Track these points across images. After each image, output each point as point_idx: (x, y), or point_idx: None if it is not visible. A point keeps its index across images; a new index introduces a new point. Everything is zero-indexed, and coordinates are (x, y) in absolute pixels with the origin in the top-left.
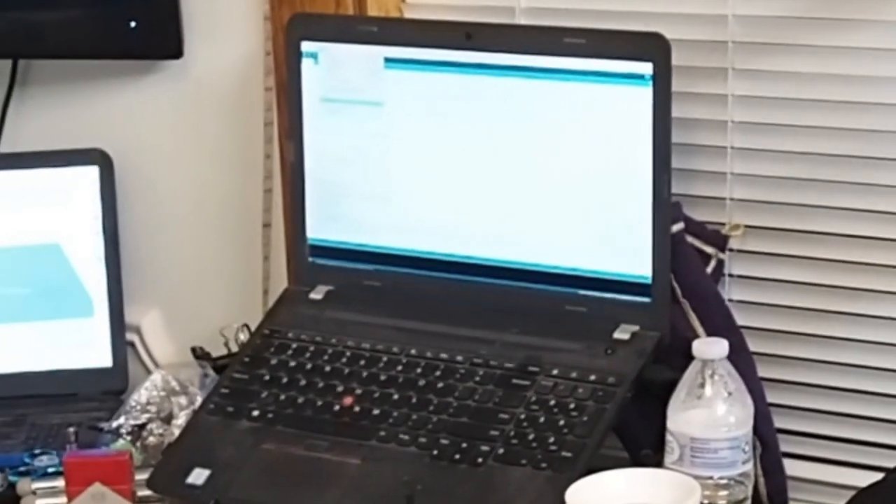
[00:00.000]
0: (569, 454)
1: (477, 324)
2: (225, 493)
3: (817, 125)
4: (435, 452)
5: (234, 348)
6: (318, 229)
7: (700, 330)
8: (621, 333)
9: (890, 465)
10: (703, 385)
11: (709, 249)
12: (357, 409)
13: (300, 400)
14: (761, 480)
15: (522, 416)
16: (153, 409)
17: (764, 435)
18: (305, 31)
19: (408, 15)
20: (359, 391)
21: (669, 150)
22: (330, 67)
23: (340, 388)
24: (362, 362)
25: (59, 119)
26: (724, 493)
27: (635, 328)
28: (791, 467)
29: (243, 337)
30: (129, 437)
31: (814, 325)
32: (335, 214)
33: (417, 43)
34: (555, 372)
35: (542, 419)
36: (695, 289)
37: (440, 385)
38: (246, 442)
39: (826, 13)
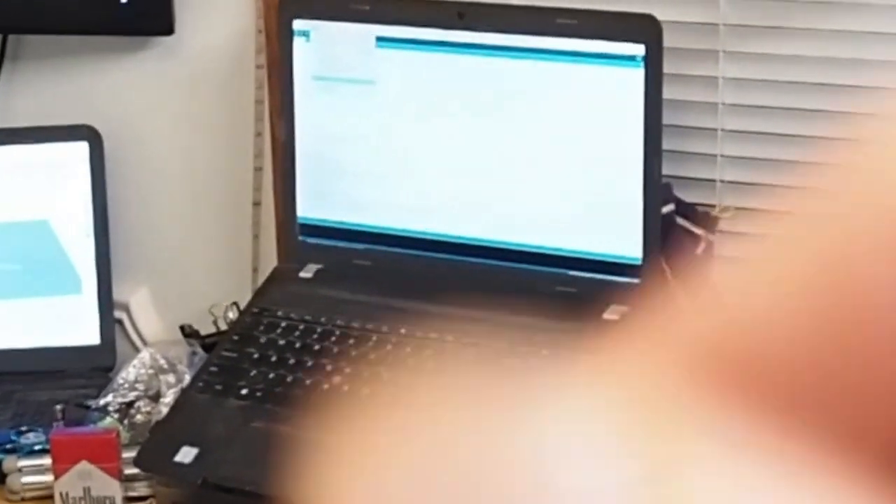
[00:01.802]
0: None
1: (467, 303)
2: (213, 471)
3: (808, 108)
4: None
5: (223, 326)
6: (308, 208)
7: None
8: (611, 314)
9: None
10: None
11: (699, 231)
12: (346, 387)
13: (289, 378)
14: None
15: None
16: (141, 386)
17: None
18: (297, 8)
19: None
20: (348, 370)
21: (660, 131)
22: (321, 46)
23: (329, 367)
24: (352, 341)
25: (50, 95)
26: None
27: (625, 309)
28: None
29: (232, 315)
30: (116, 415)
31: None
32: (325, 193)
33: (409, 22)
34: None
35: None
36: (684, 270)
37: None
38: (234, 420)
39: None
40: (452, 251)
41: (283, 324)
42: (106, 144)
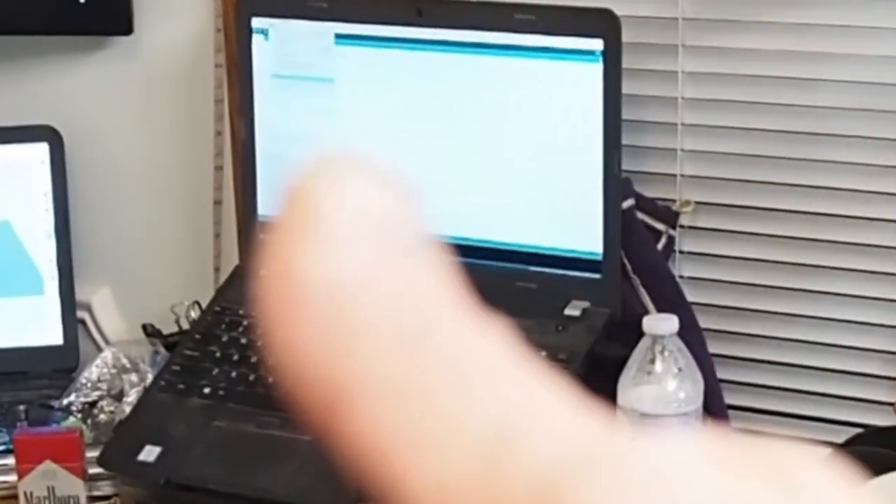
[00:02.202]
0: None
1: None
2: (176, 470)
3: (767, 101)
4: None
5: (186, 325)
6: (269, 206)
7: (650, 306)
8: (572, 310)
9: (840, 440)
10: (653, 361)
11: (659, 226)
12: None
13: (251, 377)
14: None
15: None
16: (104, 386)
17: (714, 411)
18: (255, 7)
19: None
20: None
21: (620, 126)
22: (280, 44)
23: None
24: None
25: (9, 95)
26: None
27: (586, 304)
28: None
29: (194, 314)
30: (79, 415)
31: (764, 302)
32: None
33: (368, 19)
34: None
35: None
36: (645, 265)
37: None
38: (197, 419)
39: None
40: None
41: (245, 322)
42: (66, 145)
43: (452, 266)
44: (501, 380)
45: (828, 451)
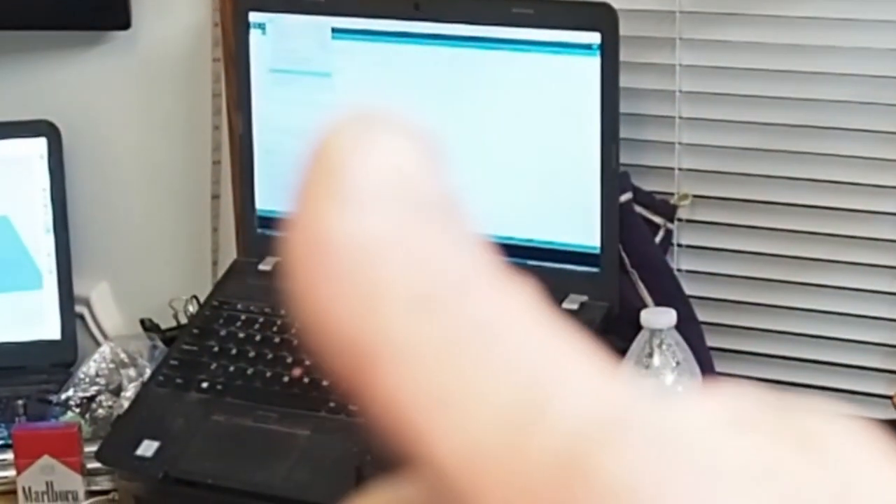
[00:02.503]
0: None
1: None
2: (174, 464)
3: (765, 95)
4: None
5: (184, 320)
6: (266, 200)
7: (648, 300)
8: (570, 304)
9: None
10: (651, 355)
11: (657, 219)
12: (306, 380)
13: (249, 371)
14: None
15: None
16: (102, 381)
17: None
18: (253, 1)
19: None
20: (308, 362)
21: (618, 120)
22: (278, 38)
23: (290, 360)
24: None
25: (7, 90)
26: None
27: (584, 298)
28: None
29: (192, 309)
30: (78, 410)
31: (762, 295)
32: (284, 185)
33: (365, 13)
34: None
35: None
36: (643, 259)
37: None
38: (195, 414)
39: None
40: None
41: (243, 316)
42: (64, 140)
43: (479, 230)
44: (529, 343)
45: (861, 419)
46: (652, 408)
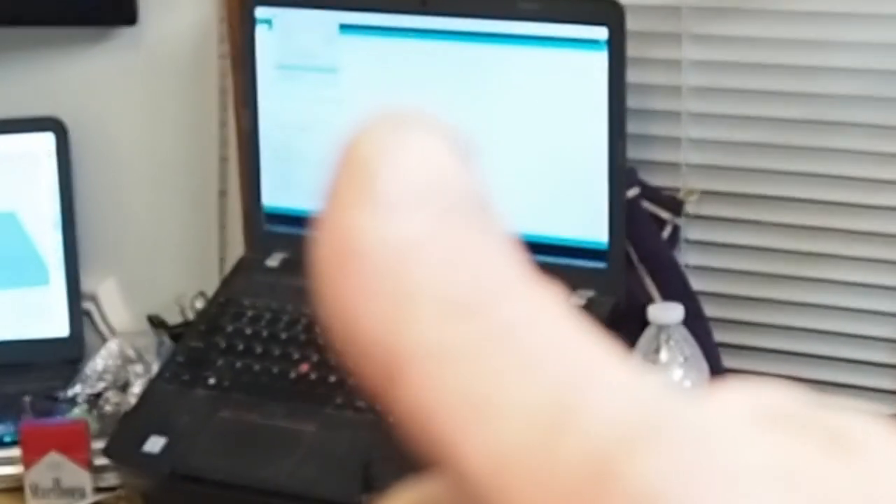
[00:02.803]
0: None
1: None
2: (181, 461)
3: (772, 90)
4: (391, 419)
5: (191, 316)
6: (273, 196)
7: (656, 295)
8: (577, 299)
9: None
10: (658, 350)
11: (664, 215)
12: (313, 376)
13: (256, 367)
14: None
15: None
16: (109, 377)
17: None
18: None
19: None
20: (315, 358)
21: (625, 115)
22: (284, 34)
23: (297, 356)
24: (319, 329)
25: (14, 87)
26: None
27: (591, 294)
28: None
29: (199, 305)
30: (85, 406)
31: (769, 290)
32: (291, 181)
33: (372, 8)
34: None
35: None
36: (650, 254)
37: None
38: (202, 410)
39: None
40: None
41: (250, 313)
42: (71, 136)
43: (511, 233)
44: (560, 347)
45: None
46: (681, 409)
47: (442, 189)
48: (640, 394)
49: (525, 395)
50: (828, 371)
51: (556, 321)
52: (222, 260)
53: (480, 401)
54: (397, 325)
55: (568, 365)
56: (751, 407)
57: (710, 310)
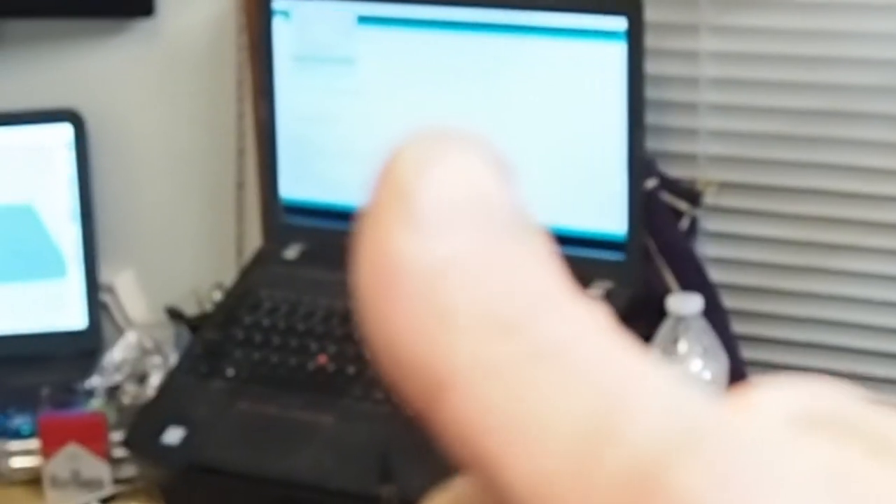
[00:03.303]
0: None
1: None
2: (199, 452)
3: (789, 80)
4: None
5: (208, 308)
6: (291, 188)
7: (674, 286)
8: (596, 290)
9: None
10: (676, 341)
11: (682, 206)
12: (331, 367)
13: (274, 359)
14: None
15: None
16: (127, 369)
17: None
18: None
19: None
20: (333, 350)
21: (643, 106)
22: (302, 25)
23: (314, 348)
24: (336, 321)
25: (32, 79)
26: None
27: (609, 285)
28: None
29: (217, 297)
30: (103, 398)
31: (787, 281)
32: (308, 173)
33: (390, 0)
34: None
35: None
36: (669, 245)
37: None
38: (220, 401)
39: None
40: None
41: (268, 304)
42: (89, 128)
43: (552, 249)
44: (601, 362)
45: None
46: (723, 417)
47: (480, 206)
48: (681, 403)
49: (568, 411)
50: (846, 361)
51: (597, 335)
52: (240, 251)
53: (524, 418)
54: (439, 345)
55: (609, 379)
56: (790, 408)
57: (728, 301)
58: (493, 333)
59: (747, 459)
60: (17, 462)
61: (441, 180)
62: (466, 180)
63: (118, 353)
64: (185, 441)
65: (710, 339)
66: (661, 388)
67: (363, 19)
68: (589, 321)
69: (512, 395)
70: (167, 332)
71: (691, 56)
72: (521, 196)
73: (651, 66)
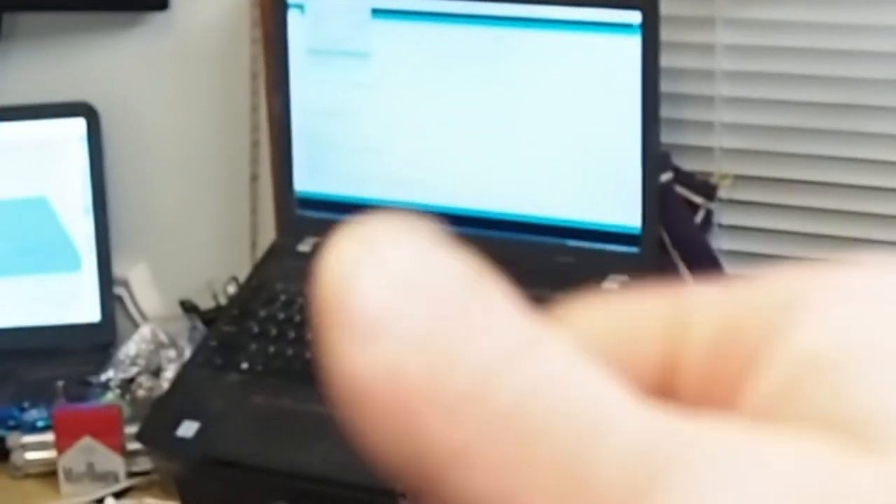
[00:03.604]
0: None
1: None
2: (214, 445)
3: (805, 73)
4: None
5: (223, 301)
6: (305, 181)
7: (689, 280)
8: (610, 284)
9: None
10: None
11: (698, 199)
12: None
13: (289, 352)
14: None
15: None
16: (142, 362)
17: None
18: None
19: None
20: None
21: (658, 99)
22: (316, 18)
23: None
24: None
25: (46, 72)
26: None
27: (624, 279)
28: None
29: (231, 290)
30: (118, 391)
31: None
32: (322, 166)
33: None
34: None
35: None
36: (684, 239)
37: None
38: (235, 394)
39: None
40: (451, 222)
41: (282, 297)
42: (103, 121)
43: (509, 290)
44: (569, 405)
45: None
46: (696, 436)
47: (418, 291)
48: (651, 434)
49: (543, 470)
50: None
51: (562, 375)
52: (254, 245)
53: (512, 491)
54: (415, 439)
55: (577, 424)
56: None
57: None
58: (461, 414)
59: (720, 479)
60: (32, 455)
61: (371, 278)
62: (397, 270)
63: (132, 346)
64: (200, 434)
65: None
66: (629, 421)
67: (377, 12)
68: (551, 360)
69: (498, 468)
70: (181, 326)
71: (707, 49)
72: (463, 257)
73: (666, 60)
